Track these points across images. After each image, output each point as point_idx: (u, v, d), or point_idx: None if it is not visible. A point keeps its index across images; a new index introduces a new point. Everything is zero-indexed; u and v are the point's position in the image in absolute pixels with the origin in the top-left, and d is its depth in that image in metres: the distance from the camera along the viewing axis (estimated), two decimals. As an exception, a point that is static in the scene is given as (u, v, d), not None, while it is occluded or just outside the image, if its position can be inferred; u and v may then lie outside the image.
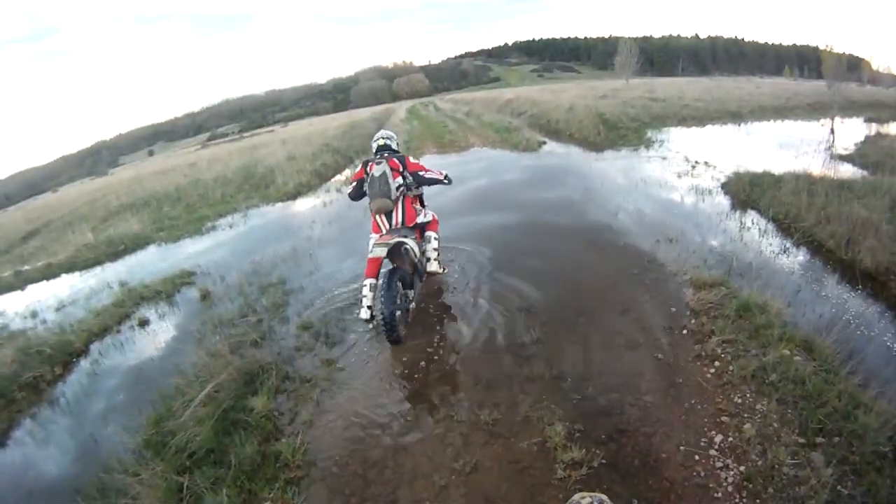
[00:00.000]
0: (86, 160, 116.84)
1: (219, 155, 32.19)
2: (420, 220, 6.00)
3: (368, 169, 5.75)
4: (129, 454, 4.25)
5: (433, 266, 6.05)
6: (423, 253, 6.08)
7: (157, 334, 6.71)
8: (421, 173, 5.95)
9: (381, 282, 5.14)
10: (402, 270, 5.43)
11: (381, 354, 5.23)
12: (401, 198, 5.79)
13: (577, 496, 2.22)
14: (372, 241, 5.55)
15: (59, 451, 4.85)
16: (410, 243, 5.51)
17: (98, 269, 10.34)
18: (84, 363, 6.32)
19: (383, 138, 6.20)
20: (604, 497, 2.19)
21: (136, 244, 11.54)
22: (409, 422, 4.27)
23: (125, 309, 7.44)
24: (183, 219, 13.62)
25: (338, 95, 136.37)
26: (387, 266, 5.46)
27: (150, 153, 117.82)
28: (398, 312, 5.17)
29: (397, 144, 6.30)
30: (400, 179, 5.75)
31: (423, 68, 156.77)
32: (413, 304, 5.78)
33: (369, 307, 5.45)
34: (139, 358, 6.21)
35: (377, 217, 5.79)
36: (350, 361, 5.21)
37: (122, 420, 4.88)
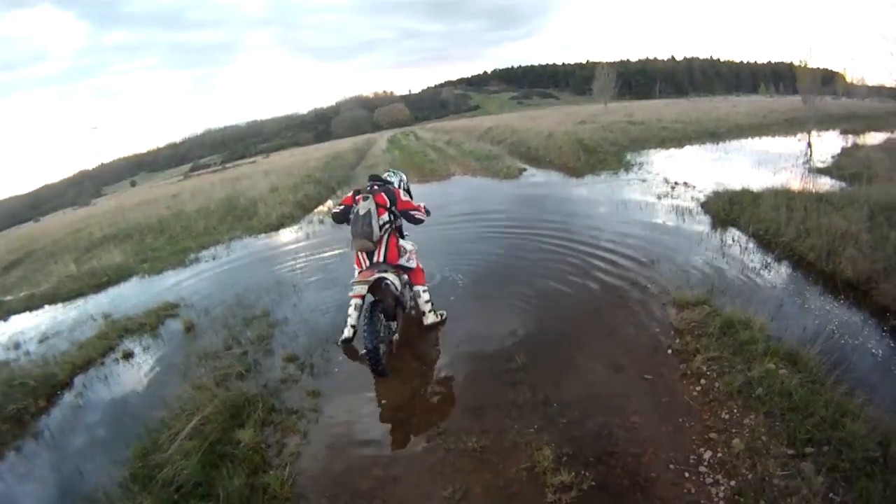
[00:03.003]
0: (68, 190, 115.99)
1: (201, 186, 32.19)
2: (403, 262, 5.93)
3: (356, 200, 5.70)
4: (116, 488, 4.20)
5: (430, 319, 6.11)
6: (413, 301, 6.22)
7: (142, 367, 6.64)
8: (410, 212, 5.96)
9: (363, 315, 5.20)
10: (385, 303, 5.45)
11: (367, 384, 5.23)
12: (385, 236, 5.76)
13: None
14: (353, 278, 5.60)
15: (44, 484, 4.77)
16: (391, 278, 5.55)
17: (81, 301, 10.24)
18: (68, 396, 6.24)
19: (387, 173, 6.42)
20: None
21: (119, 276, 11.44)
22: (398, 451, 4.28)
23: (109, 341, 7.36)
24: (166, 250, 13.54)
25: (319, 126, 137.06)
26: (369, 298, 5.47)
27: (133, 184, 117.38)
28: (382, 345, 5.18)
29: (401, 182, 6.40)
30: (386, 216, 5.74)
31: (403, 98, 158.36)
32: (396, 336, 5.79)
33: (353, 326, 5.59)
34: (124, 391, 6.14)
35: (359, 254, 5.80)
36: (336, 392, 5.21)
37: (107, 453, 4.82)
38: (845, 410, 3.82)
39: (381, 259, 5.69)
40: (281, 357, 6.03)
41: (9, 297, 11.66)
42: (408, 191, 6.58)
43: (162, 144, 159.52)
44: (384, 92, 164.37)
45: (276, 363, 5.95)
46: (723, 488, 3.42)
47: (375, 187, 5.88)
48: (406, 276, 6.11)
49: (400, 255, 5.88)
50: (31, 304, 10.56)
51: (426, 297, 6.12)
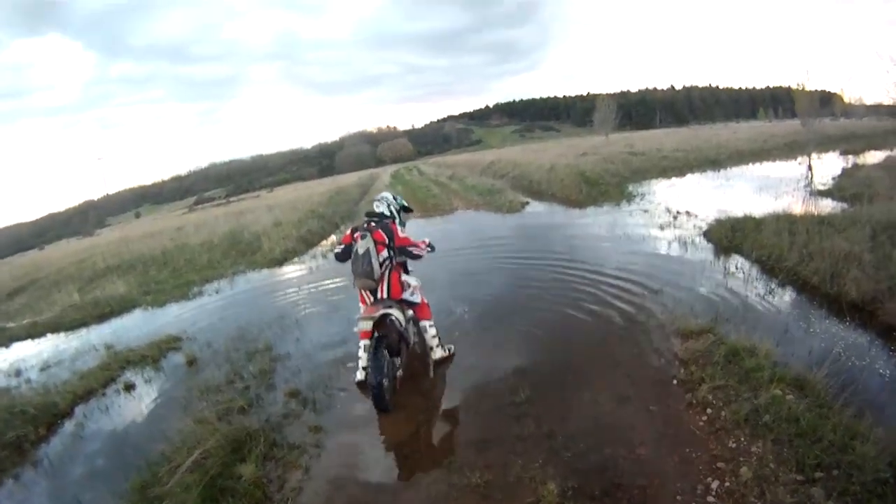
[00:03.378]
0: (73, 219, 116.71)
1: (205, 219, 32.35)
2: (406, 296, 5.89)
3: (355, 238, 5.68)
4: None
5: (437, 354, 6.07)
6: (421, 338, 6.23)
7: (143, 399, 6.62)
8: (409, 248, 5.95)
9: (368, 352, 5.20)
10: (389, 339, 5.42)
11: (370, 419, 5.19)
12: (386, 272, 5.75)
13: None
14: (358, 315, 5.63)
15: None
16: (395, 314, 5.54)
17: (84, 331, 10.28)
18: (68, 425, 6.22)
19: (376, 201, 6.28)
20: None
21: (122, 307, 11.50)
22: (400, 487, 4.23)
23: (111, 372, 7.37)
24: (169, 283, 13.60)
25: (323, 161, 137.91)
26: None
27: (137, 215, 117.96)
28: (386, 381, 5.16)
29: (389, 206, 6.30)
30: (385, 253, 5.72)
31: (406, 133, 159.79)
32: (400, 372, 5.75)
33: (364, 368, 5.54)
34: (124, 422, 6.12)
35: (362, 291, 5.81)
36: (338, 428, 5.17)
37: (106, 484, 4.77)
38: (854, 433, 3.79)
39: (385, 295, 5.69)
40: (283, 392, 6.00)
41: (11, 324, 11.73)
42: (403, 207, 6.58)
43: (167, 177, 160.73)
44: (388, 127, 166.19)
45: (278, 398, 5.92)
46: None
47: (372, 224, 5.84)
48: (411, 312, 6.08)
49: (403, 290, 5.85)
50: (34, 332, 10.60)
51: (433, 331, 6.08)
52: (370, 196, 28.50)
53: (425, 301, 6.16)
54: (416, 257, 6.09)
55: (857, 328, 5.78)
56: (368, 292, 5.76)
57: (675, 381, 5.06)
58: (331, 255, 13.12)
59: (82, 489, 4.90)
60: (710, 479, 3.74)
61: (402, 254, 5.99)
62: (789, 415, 4.10)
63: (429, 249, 6.18)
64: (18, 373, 8.02)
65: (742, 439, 4.05)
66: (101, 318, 10.99)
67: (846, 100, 54.38)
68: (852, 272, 6.56)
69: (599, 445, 4.28)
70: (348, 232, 5.93)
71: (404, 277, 6.01)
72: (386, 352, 5.34)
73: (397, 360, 5.67)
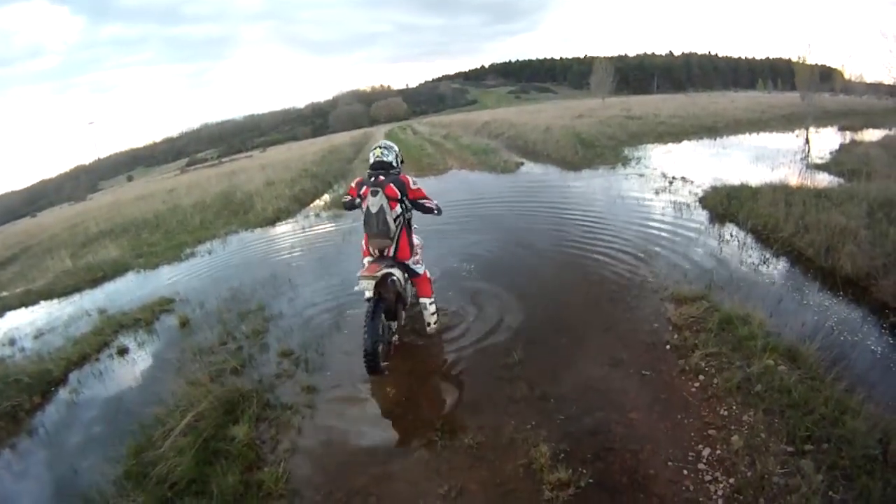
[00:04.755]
0: (65, 185, 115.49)
1: (198, 181, 32.06)
2: (411, 264, 5.69)
3: (362, 194, 5.38)
4: (110, 485, 4.17)
5: (433, 329, 5.93)
6: (414, 298, 6.10)
7: (137, 363, 6.62)
8: (421, 201, 5.56)
9: (365, 314, 5.08)
10: (387, 301, 5.35)
11: (363, 380, 5.19)
12: (398, 230, 5.49)
13: None
14: (360, 271, 5.34)
15: (39, 482, 4.74)
16: (397, 273, 5.48)
17: (77, 296, 10.21)
18: (63, 392, 6.20)
19: (380, 148, 5.71)
20: None
21: (114, 271, 11.43)
22: (393, 447, 4.26)
23: (104, 337, 7.34)
24: (162, 245, 13.53)
25: (316, 120, 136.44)
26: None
27: (129, 178, 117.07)
28: (381, 346, 5.09)
29: (396, 157, 5.76)
30: (398, 209, 5.42)
31: (401, 92, 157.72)
32: (396, 337, 5.70)
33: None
34: (118, 387, 6.11)
35: (371, 248, 5.56)
36: (331, 388, 5.19)
37: (101, 450, 4.78)
38: (845, 407, 3.79)
39: (392, 255, 5.51)
40: (276, 352, 6.01)
41: (4, 293, 11.65)
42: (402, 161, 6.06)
43: (158, 139, 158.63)
44: (381, 86, 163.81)
45: (271, 358, 5.93)
46: (721, 486, 3.40)
47: (381, 178, 5.42)
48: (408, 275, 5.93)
49: (412, 254, 5.68)
50: (27, 300, 10.52)
51: (432, 308, 5.91)
52: (363, 155, 28.26)
53: (428, 276, 5.94)
54: (429, 211, 5.67)
55: (851, 303, 5.77)
56: (377, 250, 5.54)
57: (667, 347, 5.07)
58: (324, 214, 13.50)
59: (78, 456, 4.90)
60: (701, 446, 3.76)
61: (414, 207, 5.66)
62: (781, 385, 4.12)
63: (436, 212, 5.81)
64: (12, 342, 7.97)
65: (734, 407, 4.07)
66: (94, 282, 10.92)
67: (846, 76, 53.77)
68: (848, 247, 6.53)
69: (591, 409, 4.30)
70: (353, 184, 5.67)
71: (414, 239, 5.86)
72: (384, 316, 5.27)
73: (394, 325, 5.64)
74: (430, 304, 5.90)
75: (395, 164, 5.68)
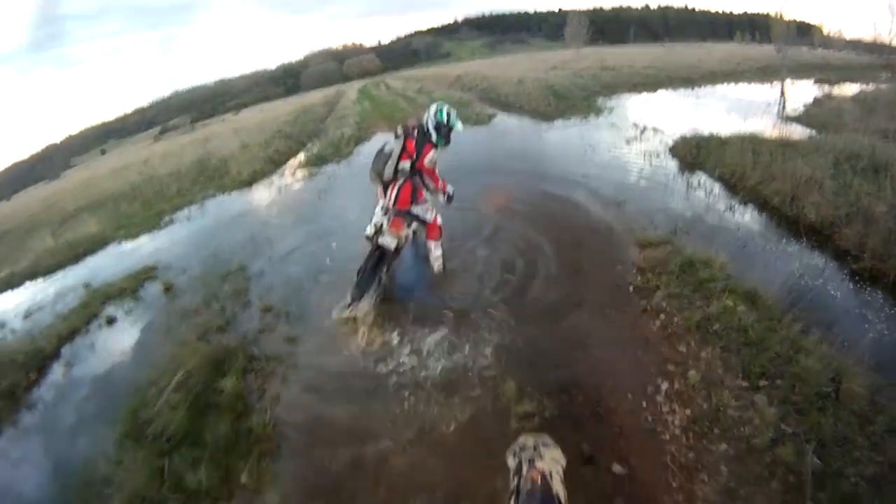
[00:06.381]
0: (37, 165, 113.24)
1: (172, 149, 31.69)
2: (415, 210, 5.90)
3: (397, 133, 5.81)
4: (112, 446, 4.40)
5: (436, 270, 6.18)
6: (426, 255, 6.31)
7: (126, 331, 6.78)
8: (426, 177, 5.93)
9: (369, 260, 5.46)
10: (388, 255, 5.66)
11: (341, 326, 5.39)
12: (401, 180, 5.75)
13: (521, 438, 2.43)
14: (380, 207, 5.80)
15: (43, 451, 4.93)
16: (411, 232, 5.81)
17: (61, 274, 10.23)
18: (57, 366, 6.35)
19: (439, 112, 5.92)
20: (546, 437, 2.41)
21: (96, 245, 11.40)
22: (371, 384, 4.51)
23: (92, 309, 7.46)
24: (140, 215, 13.47)
25: (288, 80, 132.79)
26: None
27: (103, 152, 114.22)
28: (369, 292, 5.43)
29: (439, 126, 5.86)
30: (407, 164, 5.72)
31: (373, 48, 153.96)
32: (385, 279, 5.91)
33: (376, 224, 5.69)
34: (110, 355, 6.28)
35: (372, 180, 5.90)
36: (312, 336, 5.42)
37: (101, 416, 5.01)
38: (800, 347, 4.03)
39: (391, 204, 5.72)
40: (258, 308, 6.21)
41: (-11, 278, 11.65)
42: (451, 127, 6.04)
43: (129, 110, 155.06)
44: (353, 44, 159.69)
45: (253, 314, 6.13)
46: (679, 417, 3.67)
47: (414, 131, 5.82)
48: (416, 224, 6.13)
49: (413, 203, 5.86)
50: (12, 282, 10.53)
51: (438, 252, 6.18)
52: (336, 113, 27.91)
53: (439, 223, 6.15)
54: (427, 187, 6.00)
55: (813, 250, 5.98)
56: (381, 188, 5.86)
57: (631, 288, 5.31)
58: (299, 173, 13.58)
59: (78, 424, 5.11)
60: (660, 380, 4.02)
61: (420, 178, 5.93)
62: (739, 325, 4.36)
63: (444, 197, 6.18)
64: (2, 325, 8.06)
65: (692, 345, 4.32)
66: (77, 258, 10.92)
67: (825, 32, 52.98)
68: (812, 196, 6.68)
69: (557, 347, 4.56)
70: (402, 126, 5.94)
71: (420, 193, 5.97)
72: (385, 270, 5.64)
73: (383, 276, 5.84)
74: (435, 247, 6.17)
75: (431, 131, 5.85)
